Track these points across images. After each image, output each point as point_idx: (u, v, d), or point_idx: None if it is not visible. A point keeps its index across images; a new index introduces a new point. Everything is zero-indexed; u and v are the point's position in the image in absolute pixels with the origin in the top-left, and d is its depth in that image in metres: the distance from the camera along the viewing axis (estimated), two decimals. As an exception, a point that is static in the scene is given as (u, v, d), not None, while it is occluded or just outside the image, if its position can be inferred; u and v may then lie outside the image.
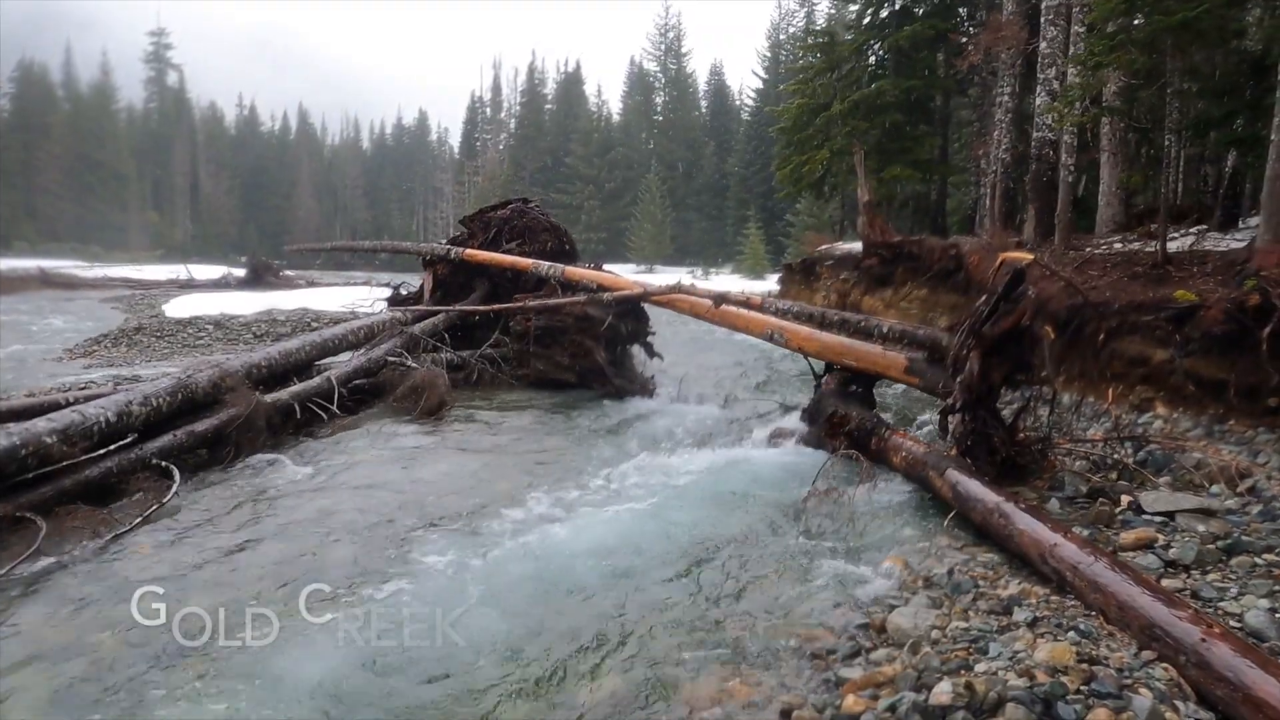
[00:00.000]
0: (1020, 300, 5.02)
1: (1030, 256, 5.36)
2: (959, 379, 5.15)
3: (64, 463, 4.61)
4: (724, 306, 7.43)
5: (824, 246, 17.96)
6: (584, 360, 8.99)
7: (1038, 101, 12.51)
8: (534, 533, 4.56)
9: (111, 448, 4.99)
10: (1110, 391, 6.69)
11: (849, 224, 24.63)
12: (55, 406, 5.30)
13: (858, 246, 14.65)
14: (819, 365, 6.88)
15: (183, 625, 3.39)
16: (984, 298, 5.23)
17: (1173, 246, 8.28)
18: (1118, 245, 9.58)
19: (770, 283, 26.85)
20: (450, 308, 9.82)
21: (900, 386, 7.83)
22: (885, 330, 6.29)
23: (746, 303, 7.47)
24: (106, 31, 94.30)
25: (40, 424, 4.65)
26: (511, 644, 3.34)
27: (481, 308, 9.68)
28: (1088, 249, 9.83)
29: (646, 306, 9.00)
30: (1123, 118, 10.84)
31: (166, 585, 3.79)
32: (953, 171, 21.25)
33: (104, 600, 3.66)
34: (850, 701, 2.55)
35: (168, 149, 70.89)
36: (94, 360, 11.56)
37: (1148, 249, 8.64)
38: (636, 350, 9.48)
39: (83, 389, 6.94)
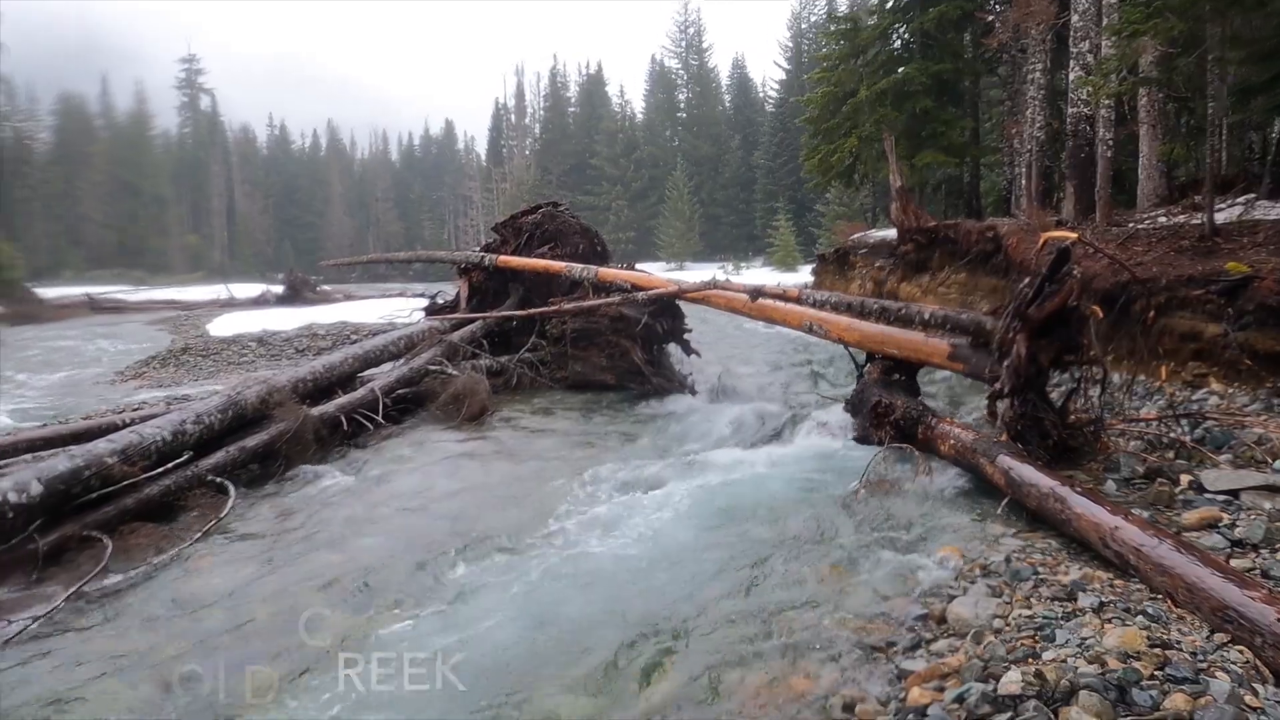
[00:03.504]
0: (1065, 280, 4.93)
1: (1074, 235, 5.26)
2: (1006, 363, 5.07)
3: (125, 482, 4.74)
4: (761, 300, 7.38)
5: (857, 235, 17.79)
6: (621, 361, 9.01)
7: (1071, 76, 12.24)
8: (584, 534, 4.58)
9: (169, 466, 5.12)
10: (1162, 369, 6.53)
11: (880, 211, 24.37)
12: (113, 428, 5.45)
13: (891, 233, 14.48)
14: (860, 356, 6.81)
15: (246, 640, 3.48)
16: (1028, 279, 5.14)
17: (1220, 217, 8.05)
18: (1161, 219, 9.33)
19: (803, 274, 26.69)
20: (487, 314, 9.90)
21: (943, 373, 7.74)
22: (926, 316, 6.19)
23: (783, 295, 7.42)
24: (140, 61, 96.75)
25: (101, 445, 4.79)
26: (567, 644, 3.36)
27: (518, 313, 9.73)
28: (1130, 224, 9.59)
29: (682, 304, 8.99)
30: (1161, 88, 10.56)
31: (228, 600, 3.89)
32: (985, 153, 20.86)
33: (171, 615, 3.76)
34: (916, 694, 2.51)
35: (203, 172, 72.46)
36: (144, 381, 11.84)
37: (1194, 221, 8.41)
38: (673, 348, 9.47)
39: (136, 410, 7.12)
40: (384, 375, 7.89)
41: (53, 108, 65.04)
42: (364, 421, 6.98)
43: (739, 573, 4.02)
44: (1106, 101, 10.58)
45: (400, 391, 7.70)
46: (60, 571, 4.24)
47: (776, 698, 2.83)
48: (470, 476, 5.92)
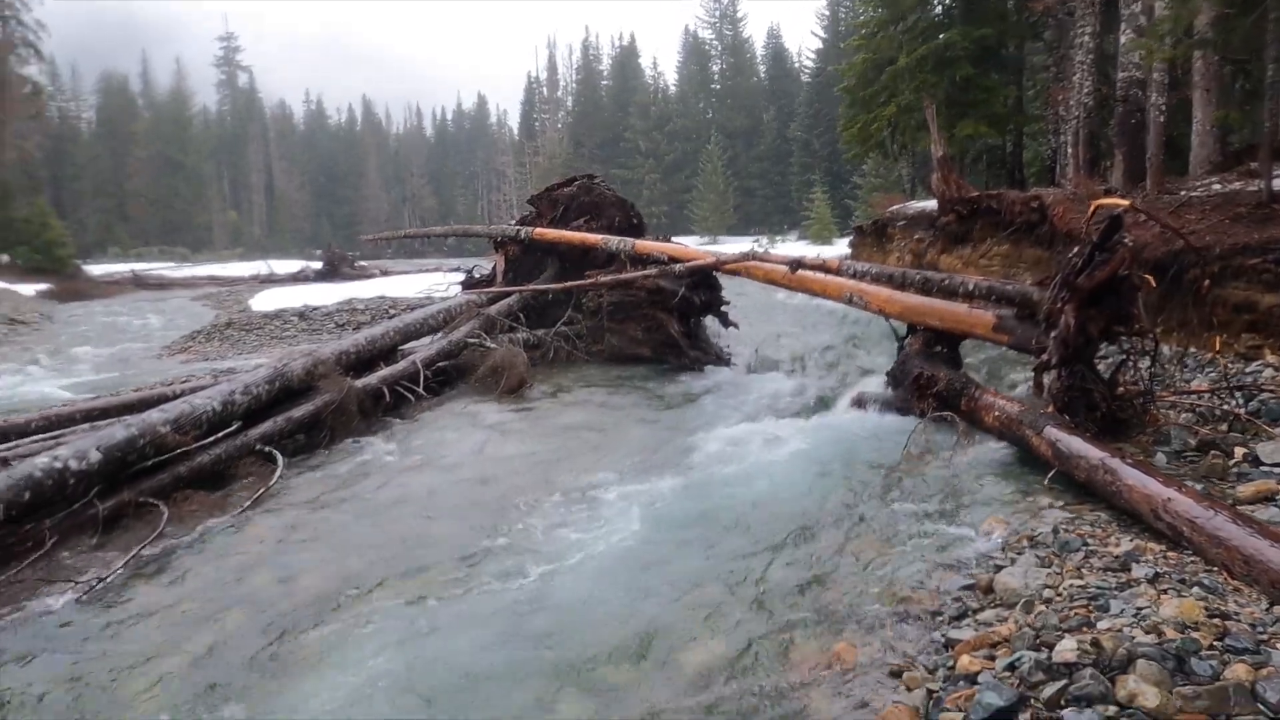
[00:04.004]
0: (1117, 248, 4.81)
1: (1125, 202, 5.12)
2: (1053, 334, 4.98)
3: (178, 450, 4.87)
4: (800, 272, 7.31)
5: (895, 207, 17.46)
6: (658, 333, 9.00)
7: (1123, 39, 11.83)
8: (626, 504, 4.61)
9: (219, 435, 5.25)
10: (1215, 340, 6.36)
11: (919, 183, 23.89)
12: (165, 399, 5.60)
13: (931, 205, 14.20)
14: (901, 328, 6.73)
15: (293, 602, 3.57)
16: (1077, 248, 5.03)
17: (1278, 184, 7.77)
18: (1216, 186, 9.02)
19: (839, 248, 26.33)
20: (524, 288, 9.93)
21: (984, 353, 7.62)
22: (970, 288, 6.09)
23: (823, 267, 7.34)
24: (180, 40, 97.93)
25: (154, 415, 4.92)
26: (613, 610, 3.40)
27: (554, 286, 9.75)
28: (1182, 192, 9.29)
29: (720, 276, 8.93)
30: (1217, 50, 10.16)
31: (277, 566, 3.99)
32: (1028, 122, 20.30)
33: (226, 579, 3.87)
34: (965, 661, 2.50)
35: (242, 149, 73.36)
36: (191, 355, 12.13)
37: (1249, 188, 8.13)
38: (710, 321, 9.43)
39: (185, 382, 7.29)
40: (424, 348, 7.98)
41: (95, 87, 66.19)
42: (405, 393, 7.07)
43: (781, 543, 4.03)
44: (1160, 65, 10.23)
45: (440, 364, 7.78)
46: (119, 536, 4.38)
47: (825, 665, 2.84)
48: (512, 447, 5.98)
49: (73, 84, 65.60)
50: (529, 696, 2.81)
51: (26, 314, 17.51)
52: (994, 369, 7.58)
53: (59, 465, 4.20)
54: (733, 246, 27.61)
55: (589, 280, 9.24)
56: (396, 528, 4.44)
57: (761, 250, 9.78)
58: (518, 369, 7.68)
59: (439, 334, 8.49)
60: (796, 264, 7.42)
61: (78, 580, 3.83)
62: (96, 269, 32.59)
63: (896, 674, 2.68)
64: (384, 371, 7.07)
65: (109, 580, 3.83)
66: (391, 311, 13.25)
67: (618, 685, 2.86)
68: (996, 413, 5.16)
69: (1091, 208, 5.18)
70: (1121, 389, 5.13)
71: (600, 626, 3.25)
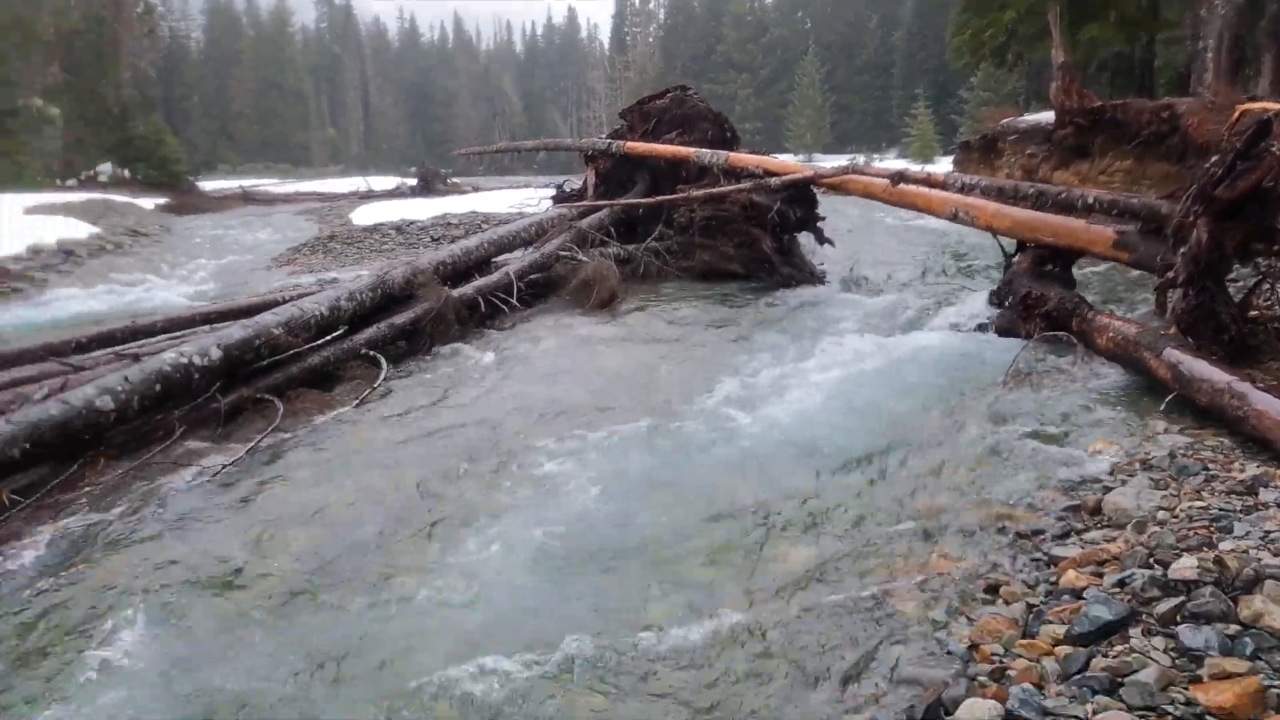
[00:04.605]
0: (1263, 156, 4.40)
1: (1276, 106, 4.65)
2: (1182, 250, 4.63)
3: (290, 351, 5.12)
4: (902, 186, 6.99)
5: (1006, 120, 16.45)
6: (750, 250, 8.81)
7: (1282, -74, 10.61)
8: (718, 417, 4.62)
9: (328, 339, 5.48)
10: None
11: (1033, 95, 22.37)
12: (276, 304, 5.87)
13: (1045, 117, 13.33)
14: (1009, 245, 6.40)
15: (401, 494, 3.76)
16: (1217, 156, 4.62)
17: None
18: (1381, 93, 8.13)
19: (942, 167, 25.09)
20: (614, 202, 9.85)
21: (1095, 280, 7.20)
22: (1090, 201, 5.70)
23: (927, 180, 7.00)
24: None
25: (267, 317, 5.17)
26: (705, 518, 3.45)
27: (646, 200, 9.62)
28: (1340, 100, 8.39)
29: (817, 193, 8.64)
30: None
31: (385, 460, 4.19)
32: (1163, 27, 18.53)
33: (336, 469, 4.10)
34: (1071, 576, 2.43)
35: (339, 67, 74.64)
36: (296, 267, 12.63)
37: None
38: (804, 238, 9.18)
39: (294, 290, 7.62)
40: (516, 260, 8.07)
41: (203, 7, 67.99)
42: (499, 304, 7.19)
43: (875, 460, 3.97)
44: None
45: (532, 276, 7.85)
46: (238, 429, 4.67)
47: (918, 575, 2.81)
48: (605, 359, 6.04)
49: (181, 4, 67.53)
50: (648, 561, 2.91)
51: (148, 227, 18.49)
52: (1111, 295, 7.18)
53: (184, 361, 4.48)
54: (828, 164, 26.68)
55: (680, 195, 9.08)
56: (497, 427, 4.57)
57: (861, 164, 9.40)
58: (609, 283, 7.69)
59: (530, 247, 8.55)
60: (898, 177, 7.10)
61: (204, 465, 4.12)
62: (208, 184, 34.06)
63: (994, 588, 2.62)
64: (479, 282, 7.20)
65: (231, 467, 4.11)
66: (484, 225, 13.42)
67: (706, 581, 2.93)
68: (1111, 334, 4.89)
69: (1236, 112, 4.73)
70: (1255, 312, 4.78)
71: (675, 541, 3.30)
